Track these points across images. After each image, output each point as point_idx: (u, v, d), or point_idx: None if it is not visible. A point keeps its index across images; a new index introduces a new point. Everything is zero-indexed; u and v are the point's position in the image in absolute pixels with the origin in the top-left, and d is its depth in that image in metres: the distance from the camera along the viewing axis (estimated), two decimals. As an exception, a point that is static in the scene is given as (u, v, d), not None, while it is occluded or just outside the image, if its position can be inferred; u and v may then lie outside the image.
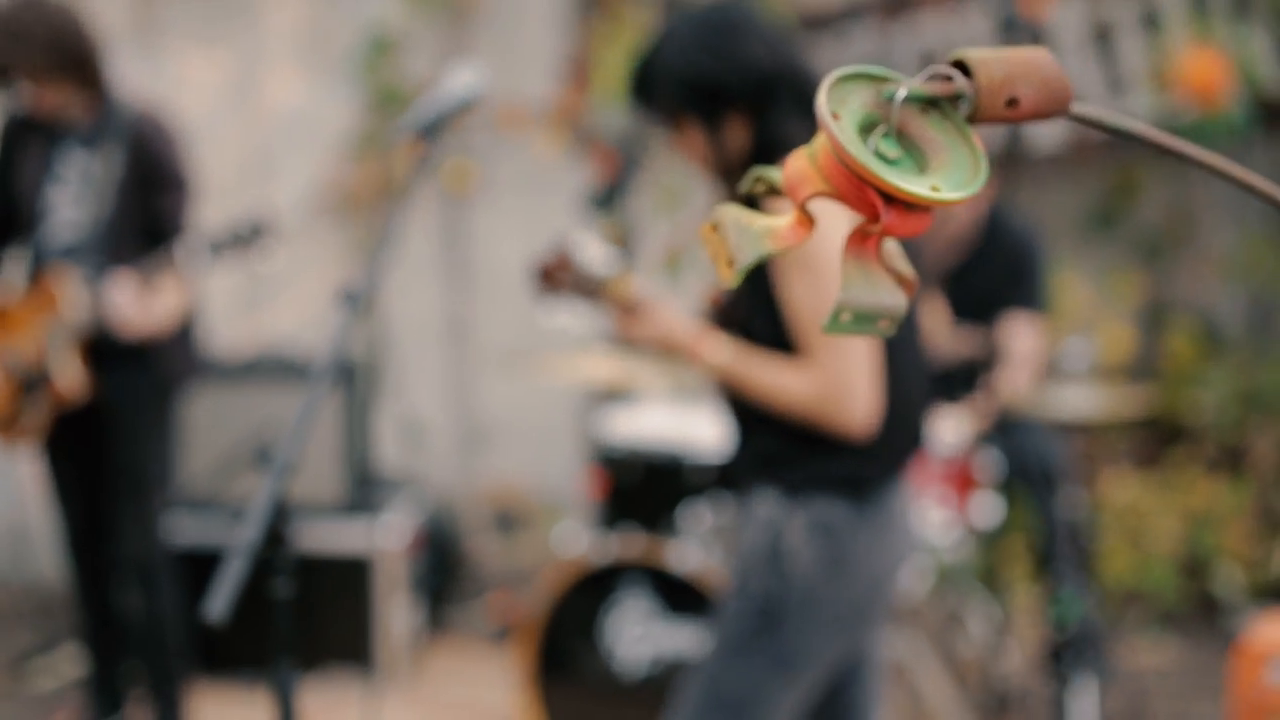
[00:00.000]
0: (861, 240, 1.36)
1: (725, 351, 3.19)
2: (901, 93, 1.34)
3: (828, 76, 1.35)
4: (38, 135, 4.86)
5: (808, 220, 1.38)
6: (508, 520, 7.48)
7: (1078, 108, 1.37)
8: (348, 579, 5.72)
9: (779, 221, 1.38)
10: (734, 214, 1.39)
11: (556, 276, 3.20)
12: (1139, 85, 7.07)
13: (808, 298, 3.06)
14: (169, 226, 4.83)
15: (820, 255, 3.02)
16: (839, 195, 1.34)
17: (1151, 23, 7.02)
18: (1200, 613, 6.69)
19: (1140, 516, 6.78)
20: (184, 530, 5.67)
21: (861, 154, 1.31)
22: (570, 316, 3.24)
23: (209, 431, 5.78)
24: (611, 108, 7.28)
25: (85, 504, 5.01)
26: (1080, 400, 4.83)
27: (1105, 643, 5.03)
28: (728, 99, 3.18)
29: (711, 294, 3.40)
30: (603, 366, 5.22)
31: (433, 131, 2.83)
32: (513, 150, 7.38)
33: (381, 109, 7.13)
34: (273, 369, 5.88)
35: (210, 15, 6.92)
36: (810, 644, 3.19)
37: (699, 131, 3.22)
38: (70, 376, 4.73)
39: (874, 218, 1.34)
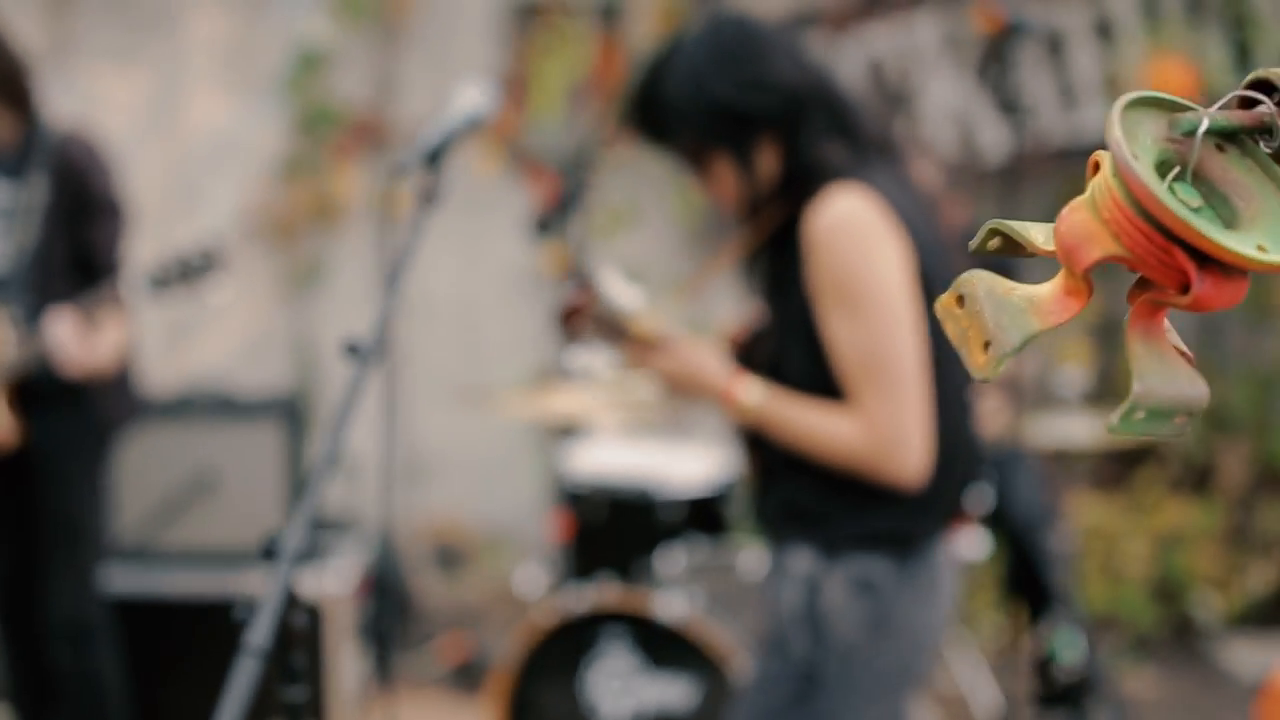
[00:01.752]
0: (1151, 315, 1.07)
1: (761, 393, 2.91)
2: (1205, 123, 1.05)
3: (1117, 104, 1.04)
4: None
5: (1085, 288, 1.08)
6: (451, 558, 7.18)
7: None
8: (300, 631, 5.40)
9: (1043, 291, 1.09)
10: (988, 283, 1.08)
11: (580, 317, 2.91)
12: (1093, 95, 6.90)
13: (856, 338, 2.80)
14: (102, 257, 4.55)
15: (871, 289, 2.76)
16: (1134, 257, 1.05)
17: (1104, 32, 6.86)
18: (1176, 637, 6.50)
19: (1109, 540, 6.59)
20: (120, 580, 5.32)
21: (1176, 206, 1.01)
22: (594, 359, 2.97)
23: (142, 474, 5.44)
24: (549, 126, 7.03)
25: (13, 558, 4.69)
26: (1069, 428, 4.62)
27: (1112, 679, 4.82)
28: (758, 124, 2.91)
29: (733, 331, 3.14)
30: (551, 399, 4.94)
31: (438, 159, 2.57)
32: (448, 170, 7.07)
33: (310, 129, 6.81)
34: (205, 406, 5.55)
35: (128, 30, 6.59)
36: (853, 710, 2.94)
37: (727, 163, 2.95)
38: None
39: (1180, 286, 1.04)
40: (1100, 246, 1.06)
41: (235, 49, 6.85)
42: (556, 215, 5.90)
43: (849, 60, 7.00)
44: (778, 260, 2.95)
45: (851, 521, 2.90)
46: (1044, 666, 4.97)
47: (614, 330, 2.97)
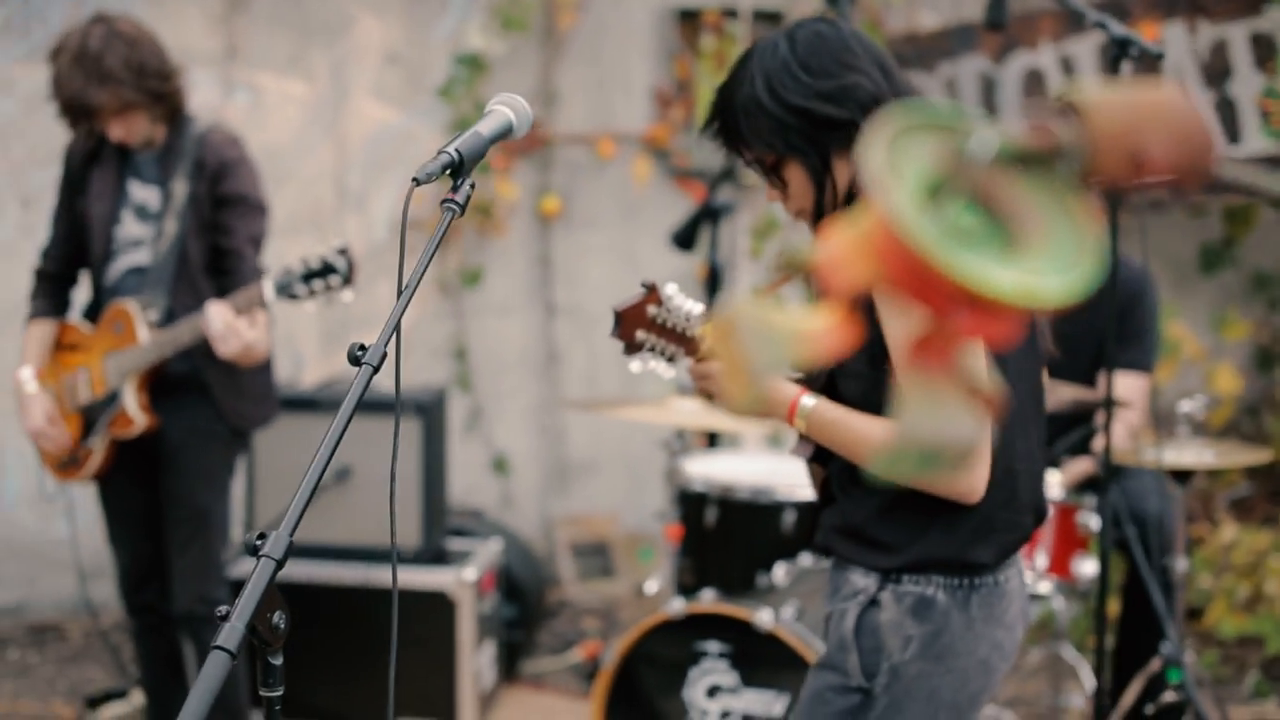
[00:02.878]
0: (925, 349, 1.03)
1: (821, 405, 2.88)
2: (986, 146, 1.01)
3: (882, 123, 1.00)
4: (105, 162, 4.74)
5: (853, 317, 1.04)
6: (595, 559, 7.28)
7: (1226, 168, 1.04)
8: (429, 626, 5.53)
9: (811, 322, 1.06)
10: (752, 313, 1.07)
11: (638, 325, 2.93)
12: (1252, 125, 6.79)
13: None
14: (239, 253, 4.69)
15: None
16: (896, 284, 1.00)
17: (1266, 53, 6.75)
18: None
19: (1250, 567, 6.47)
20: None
21: (925, 229, 0.96)
22: (655, 364, 2.98)
23: (280, 465, 5.62)
24: (707, 140, 7.08)
25: (142, 546, 4.90)
26: (1194, 454, 4.56)
27: (1220, 706, 4.76)
28: (834, 134, 2.83)
29: None
30: (691, 409, 5.00)
31: (464, 171, 2.60)
32: (605, 180, 7.19)
33: (471, 136, 6.95)
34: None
35: (296, 38, 6.78)
36: None
37: (803, 174, 2.88)
38: (134, 411, 4.62)
39: (941, 317, 1.01)
40: (860, 270, 1.02)
41: (399, 57, 7.01)
42: (692, 228, 5.96)
43: (1008, 70, 6.96)
44: None
45: (910, 547, 2.88)
46: (1153, 688, 4.92)
47: (678, 340, 2.97)
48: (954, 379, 1.01)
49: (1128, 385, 5.07)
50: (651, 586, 5.29)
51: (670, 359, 2.97)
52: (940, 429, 0.99)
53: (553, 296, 7.23)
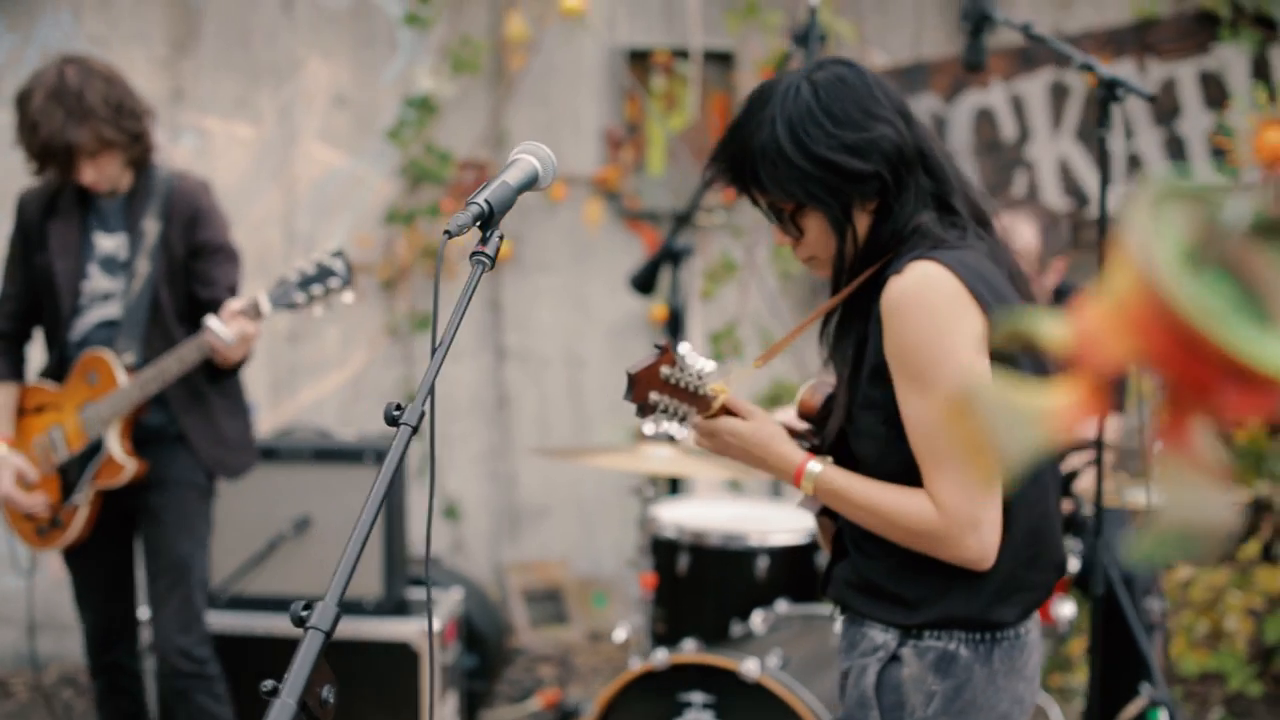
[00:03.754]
0: (1178, 429, 0.97)
1: (829, 471, 2.83)
2: (1240, 214, 0.94)
3: (1146, 189, 0.94)
4: (64, 214, 4.63)
5: (1102, 397, 0.99)
6: (548, 605, 7.20)
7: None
8: (393, 678, 5.43)
9: (1057, 401, 1.00)
10: (996, 391, 0.99)
11: (651, 387, 2.86)
12: (1203, 157, 6.83)
13: (927, 414, 2.69)
14: (219, 298, 4.59)
15: (941, 364, 2.67)
16: (1156, 361, 0.94)
17: (1214, 94, 6.80)
18: (1273, 701, 6.39)
19: (1208, 605, 6.49)
20: (213, 621, 5.40)
21: (1197, 302, 0.90)
22: (668, 426, 2.91)
23: (238, 514, 5.52)
24: (657, 182, 7.04)
25: (113, 608, 4.83)
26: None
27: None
28: (862, 187, 2.78)
29: (807, 398, 3.08)
30: (661, 456, 4.95)
31: (493, 221, 2.55)
32: (555, 223, 7.13)
33: (419, 179, 6.88)
34: (301, 450, 5.58)
35: (243, 81, 6.68)
36: None
37: (823, 226, 2.82)
38: (121, 456, 4.52)
39: (1203, 394, 0.94)
40: (1119, 347, 0.96)
41: (347, 100, 6.93)
42: (652, 271, 5.91)
43: (959, 109, 6.97)
44: (854, 329, 2.85)
45: (930, 605, 2.82)
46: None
47: (690, 399, 2.89)
48: (1202, 458, 0.94)
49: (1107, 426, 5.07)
50: (620, 635, 5.22)
51: (682, 419, 2.90)
52: (1204, 510, 0.93)
53: (503, 340, 7.16)
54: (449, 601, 5.76)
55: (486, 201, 2.56)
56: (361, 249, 6.94)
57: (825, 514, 3.05)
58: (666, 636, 4.99)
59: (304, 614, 2.08)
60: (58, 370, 4.67)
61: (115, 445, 4.53)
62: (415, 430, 2.31)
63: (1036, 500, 2.85)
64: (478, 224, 2.56)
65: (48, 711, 6.38)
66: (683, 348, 2.84)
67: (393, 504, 5.58)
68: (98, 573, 4.77)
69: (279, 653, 5.12)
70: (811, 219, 2.83)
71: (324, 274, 4.34)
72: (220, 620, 5.38)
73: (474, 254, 2.53)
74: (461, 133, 7.00)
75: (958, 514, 2.70)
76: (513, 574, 7.17)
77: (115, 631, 4.82)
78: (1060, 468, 2.96)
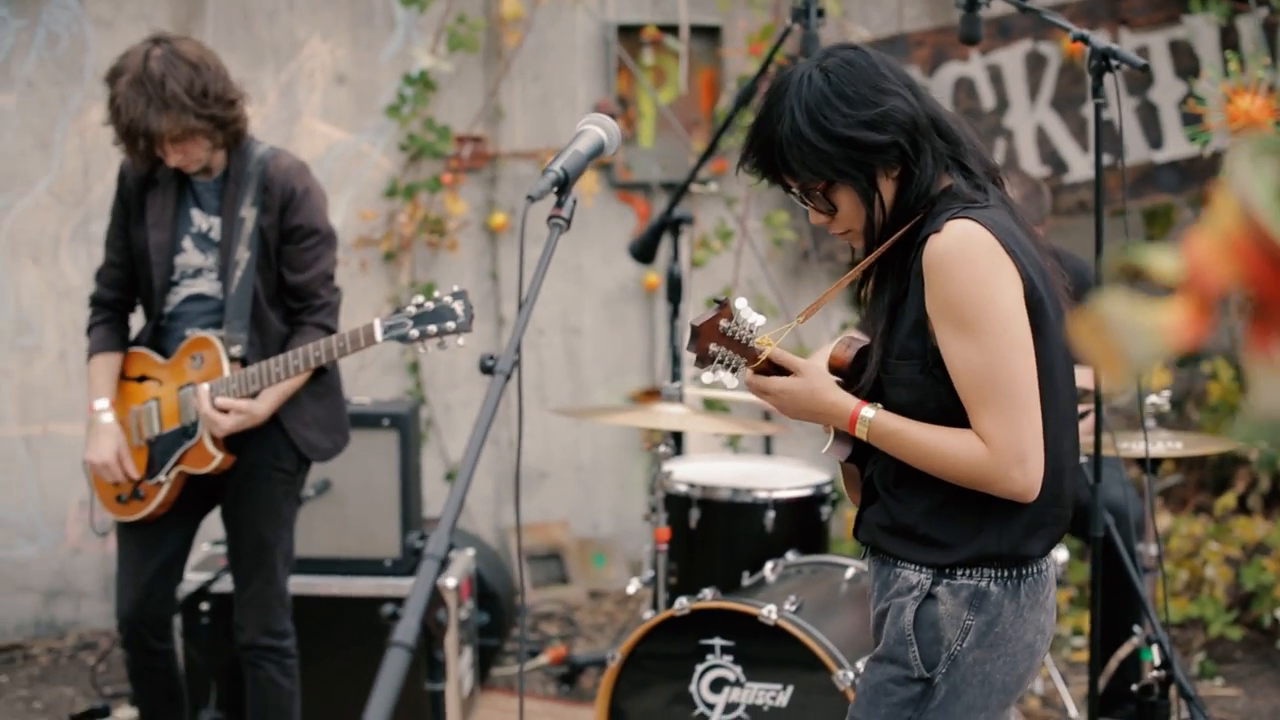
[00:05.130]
0: (1270, 337, 1.16)
1: (882, 414, 3.06)
2: None
3: (1243, 147, 1.18)
4: (163, 187, 4.65)
5: (1208, 314, 1.22)
6: (550, 565, 7.43)
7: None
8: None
9: (1170, 315, 1.22)
10: (1121, 307, 1.22)
11: (711, 339, 3.07)
12: (1174, 126, 7.08)
13: (974, 358, 2.93)
14: (312, 283, 4.65)
15: (987, 312, 2.93)
16: (1252, 281, 1.14)
17: (1185, 63, 7.04)
18: (1253, 647, 6.66)
19: (1190, 555, 6.76)
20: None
21: None
22: (721, 376, 3.12)
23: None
24: (648, 154, 7.26)
25: (158, 589, 4.83)
26: (1163, 445, 4.80)
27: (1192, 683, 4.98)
28: (880, 157, 3.01)
29: (837, 355, 3.29)
30: (653, 415, 5.18)
31: (568, 187, 2.76)
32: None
33: (418, 154, 7.08)
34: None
35: (246, 60, 6.86)
36: (968, 718, 3.12)
37: (853, 198, 3.05)
38: (212, 447, 4.61)
39: None
40: (1223, 271, 1.15)
41: (347, 78, 7.11)
42: (652, 240, 6.13)
43: (939, 80, 7.20)
44: (890, 286, 3.09)
45: (965, 545, 3.05)
46: (1128, 670, 5.15)
47: (742, 351, 3.09)
48: None
49: (1083, 374, 5.30)
50: (633, 587, 5.44)
51: (735, 370, 3.12)
52: None
53: (501, 310, 7.37)
54: (463, 560, 5.98)
55: (563, 169, 2.77)
56: (363, 222, 7.13)
57: (852, 461, 3.29)
58: (680, 588, 5.21)
59: (420, 544, 2.31)
60: (152, 339, 4.73)
61: (207, 434, 4.59)
62: (508, 378, 2.49)
63: (1060, 440, 3.09)
64: (555, 189, 2.75)
65: (71, 674, 6.57)
66: (739, 303, 3.05)
67: (408, 467, 5.77)
68: (155, 550, 4.79)
69: (303, 612, 5.31)
70: (842, 194, 3.06)
71: (442, 314, 4.36)
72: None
73: (551, 218, 2.74)
74: (459, 108, 7.20)
75: (1005, 450, 2.95)
76: (514, 536, 7.39)
77: (151, 609, 4.81)
78: (1075, 404, 3.19)
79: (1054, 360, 3.05)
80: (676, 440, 6.30)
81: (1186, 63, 7.05)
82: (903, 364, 3.06)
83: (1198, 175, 7.16)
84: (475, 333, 7.24)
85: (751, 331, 3.07)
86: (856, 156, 3.01)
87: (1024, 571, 3.10)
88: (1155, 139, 7.18)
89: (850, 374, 3.22)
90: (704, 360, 3.07)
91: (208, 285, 4.67)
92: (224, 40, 6.88)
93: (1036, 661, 3.19)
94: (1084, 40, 4.27)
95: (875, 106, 3.00)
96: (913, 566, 3.12)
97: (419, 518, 5.87)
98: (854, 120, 3.00)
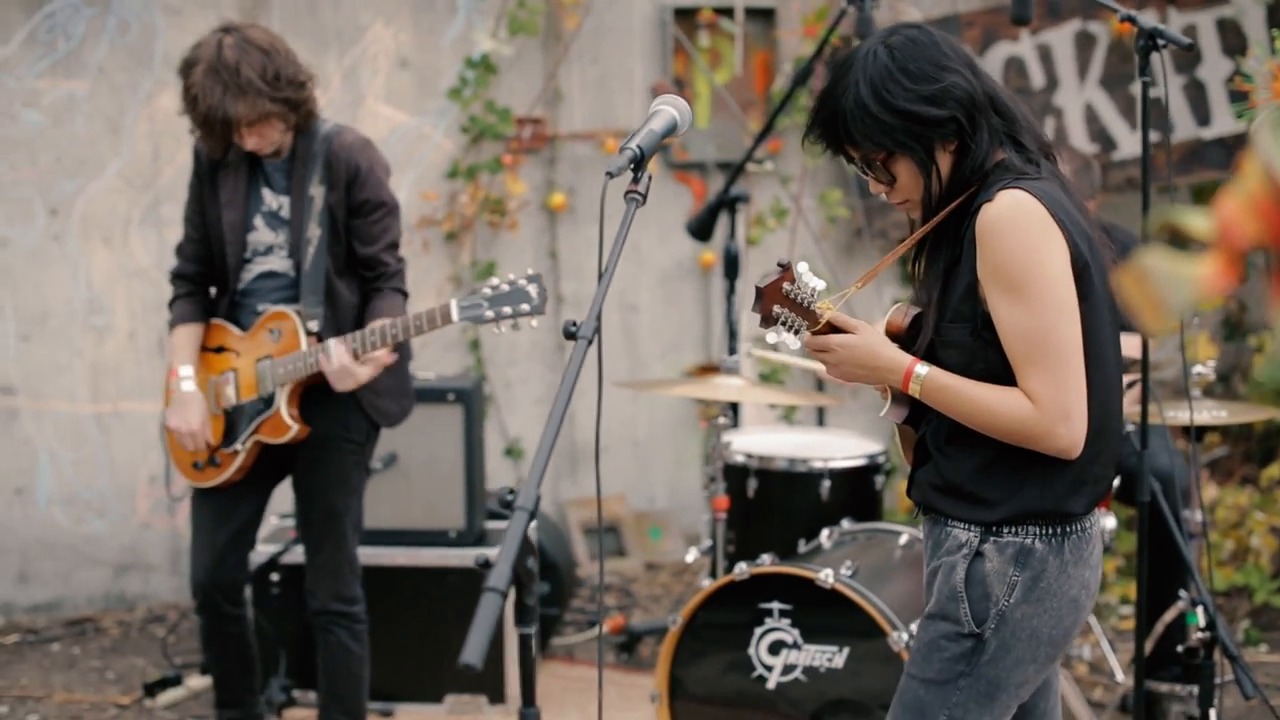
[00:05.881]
0: None
1: (935, 373, 3.20)
2: None
3: (1267, 119, 1.31)
4: (234, 167, 4.81)
5: (1237, 268, 1.35)
6: (607, 538, 7.58)
7: None
8: (475, 602, 5.78)
9: (1205, 268, 1.35)
10: (1161, 261, 1.36)
11: (774, 301, 3.20)
12: (1222, 104, 7.17)
13: (1023, 320, 3.08)
14: (380, 254, 4.79)
15: (1037, 276, 3.07)
16: (1274, 237, 1.29)
17: (1232, 41, 7.12)
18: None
19: (1235, 525, 6.87)
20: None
21: None
22: (784, 337, 3.25)
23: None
24: (704, 134, 7.39)
25: (231, 556, 4.98)
26: (1208, 414, 4.92)
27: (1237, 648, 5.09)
28: (939, 131, 3.17)
29: (892, 320, 3.42)
30: (710, 388, 5.32)
31: (643, 165, 2.91)
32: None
33: (480, 136, 7.23)
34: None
35: (312, 44, 7.01)
36: (1018, 671, 3.26)
37: (912, 169, 3.21)
38: (288, 418, 4.77)
39: None
40: (1247, 231, 1.30)
41: (410, 62, 7.26)
42: (710, 219, 6.27)
43: (990, 59, 7.31)
44: (944, 253, 3.24)
45: (1009, 502, 3.20)
46: (1173, 634, 5.27)
47: (803, 313, 3.21)
48: None
49: (1131, 344, 5.42)
50: (692, 556, 5.59)
51: (796, 331, 3.25)
52: None
53: (561, 288, 7.52)
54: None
55: (639, 146, 2.92)
56: (426, 203, 7.29)
57: (909, 423, 3.43)
58: (738, 556, 5.36)
59: (510, 497, 2.46)
60: (228, 314, 4.89)
61: (284, 405, 4.75)
62: (590, 342, 2.64)
63: (1105, 400, 3.23)
64: (632, 166, 2.89)
65: (141, 646, 6.76)
66: (800, 266, 3.18)
67: (473, 440, 5.92)
68: (229, 516, 4.95)
69: (371, 581, 5.47)
70: (901, 165, 3.22)
71: (516, 296, 4.49)
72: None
73: (628, 193, 2.90)
74: (519, 91, 7.35)
75: (1051, 407, 3.10)
76: (572, 509, 7.55)
77: (225, 575, 4.96)
78: (1119, 366, 3.32)
79: (1099, 325, 3.19)
80: (734, 412, 6.44)
81: (1234, 41, 7.14)
82: (954, 326, 3.21)
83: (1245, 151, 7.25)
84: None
85: (814, 294, 3.20)
86: (916, 129, 3.16)
87: (1068, 529, 3.24)
88: (1203, 116, 7.28)
89: (906, 339, 3.35)
90: (767, 321, 3.20)
91: (279, 262, 4.83)
92: (290, 26, 7.04)
93: (1082, 616, 3.32)
94: (1131, 20, 4.39)
95: (936, 82, 3.15)
96: (962, 525, 3.27)
97: (483, 491, 6.03)
98: (915, 95, 3.15)
